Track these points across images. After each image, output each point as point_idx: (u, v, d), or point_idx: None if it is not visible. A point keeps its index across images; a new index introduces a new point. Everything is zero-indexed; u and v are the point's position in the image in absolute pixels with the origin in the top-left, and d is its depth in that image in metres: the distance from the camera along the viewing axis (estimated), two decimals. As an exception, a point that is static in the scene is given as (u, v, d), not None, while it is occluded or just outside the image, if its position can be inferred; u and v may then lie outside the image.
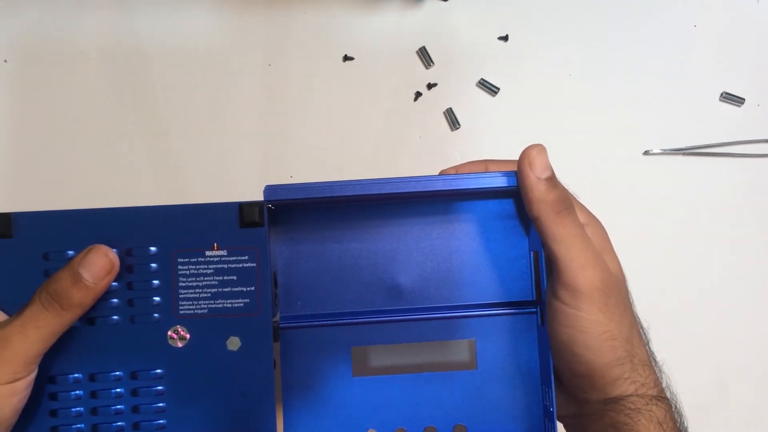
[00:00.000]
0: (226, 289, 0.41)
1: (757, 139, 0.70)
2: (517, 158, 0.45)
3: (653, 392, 0.43)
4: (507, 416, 0.45)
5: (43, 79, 0.62)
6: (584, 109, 0.69)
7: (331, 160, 0.65)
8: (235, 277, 0.41)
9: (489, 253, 0.47)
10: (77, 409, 0.41)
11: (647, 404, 0.42)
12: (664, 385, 0.44)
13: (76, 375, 0.41)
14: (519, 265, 0.47)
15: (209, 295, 0.41)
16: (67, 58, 0.62)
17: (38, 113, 0.61)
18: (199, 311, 0.41)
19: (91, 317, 0.41)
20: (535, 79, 0.69)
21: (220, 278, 0.41)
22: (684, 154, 0.69)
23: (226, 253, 0.41)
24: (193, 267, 0.41)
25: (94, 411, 0.41)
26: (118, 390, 0.41)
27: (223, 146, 0.63)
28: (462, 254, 0.46)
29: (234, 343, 0.41)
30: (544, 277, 0.44)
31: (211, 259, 0.41)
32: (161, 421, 0.41)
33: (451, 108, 0.67)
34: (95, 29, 0.63)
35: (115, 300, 0.41)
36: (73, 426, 0.41)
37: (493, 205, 0.47)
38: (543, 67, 0.70)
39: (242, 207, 0.42)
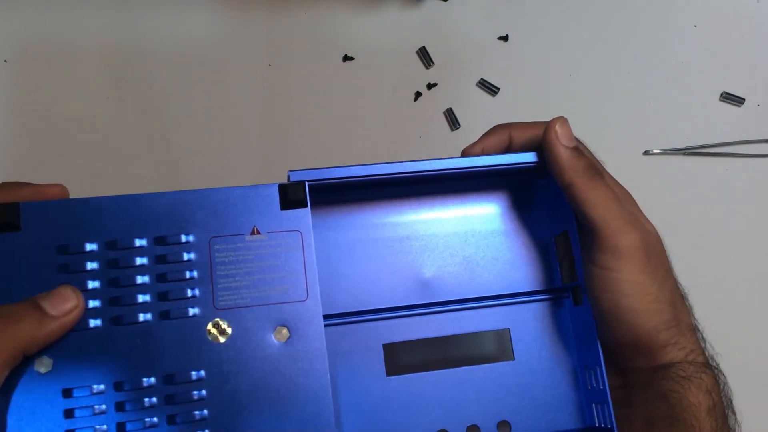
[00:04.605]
0: (269, 276, 0.38)
1: (757, 139, 0.70)
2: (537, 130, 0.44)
3: (701, 359, 0.41)
4: (551, 407, 0.43)
5: (43, 79, 0.62)
6: (584, 109, 0.69)
7: (331, 160, 0.65)
8: (277, 263, 0.38)
9: (512, 242, 0.46)
10: (101, 427, 0.35)
11: (697, 371, 0.40)
12: (707, 354, 0.43)
13: (99, 386, 0.35)
14: (542, 252, 0.46)
15: (250, 283, 0.37)
16: (67, 58, 0.62)
17: (38, 113, 0.61)
18: (241, 301, 0.37)
19: (117, 315, 0.36)
20: (535, 79, 0.69)
21: (262, 264, 0.38)
22: (684, 154, 0.69)
23: (267, 238, 0.38)
24: (232, 254, 0.38)
25: (121, 427, 0.35)
26: (152, 399, 0.36)
27: (223, 146, 0.63)
28: (485, 246, 0.45)
29: (282, 334, 0.37)
30: (579, 251, 0.42)
31: (251, 244, 0.38)
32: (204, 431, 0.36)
33: (451, 108, 0.67)
34: (95, 29, 0.63)
35: (147, 295, 0.37)
36: None
37: (512, 193, 0.46)
38: (543, 67, 0.70)
39: (286, 186, 0.39)
